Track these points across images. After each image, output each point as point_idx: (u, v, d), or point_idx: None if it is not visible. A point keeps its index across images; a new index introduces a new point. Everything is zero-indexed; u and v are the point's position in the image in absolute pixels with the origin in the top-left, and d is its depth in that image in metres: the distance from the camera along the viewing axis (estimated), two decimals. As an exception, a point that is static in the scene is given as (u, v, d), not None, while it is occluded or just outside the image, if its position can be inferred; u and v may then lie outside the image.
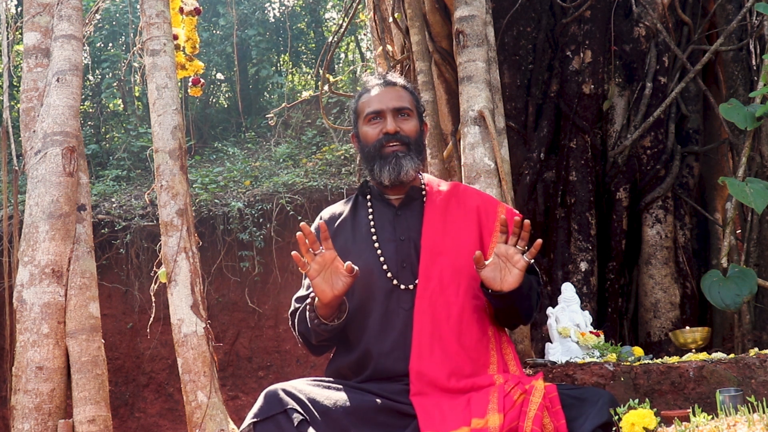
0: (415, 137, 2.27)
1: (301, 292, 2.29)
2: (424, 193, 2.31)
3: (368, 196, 2.34)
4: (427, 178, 2.38)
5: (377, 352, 2.09)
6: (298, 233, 2.00)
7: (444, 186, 2.34)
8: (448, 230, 2.21)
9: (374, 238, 2.22)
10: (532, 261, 2.14)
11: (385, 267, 2.16)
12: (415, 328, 2.07)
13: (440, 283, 2.12)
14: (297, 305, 2.26)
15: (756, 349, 2.79)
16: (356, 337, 2.15)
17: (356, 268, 2.02)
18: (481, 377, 2.03)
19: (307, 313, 2.11)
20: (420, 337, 2.06)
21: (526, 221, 2.02)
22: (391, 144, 2.23)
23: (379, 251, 2.19)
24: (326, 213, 2.38)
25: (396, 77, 2.34)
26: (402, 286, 2.15)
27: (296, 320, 2.23)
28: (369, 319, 2.13)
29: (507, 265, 2.02)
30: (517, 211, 2.27)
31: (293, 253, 2.01)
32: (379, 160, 2.23)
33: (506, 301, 2.06)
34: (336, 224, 2.30)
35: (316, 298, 2.06)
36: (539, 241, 1.99)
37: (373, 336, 2.11)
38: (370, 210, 2.29)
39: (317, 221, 2.35)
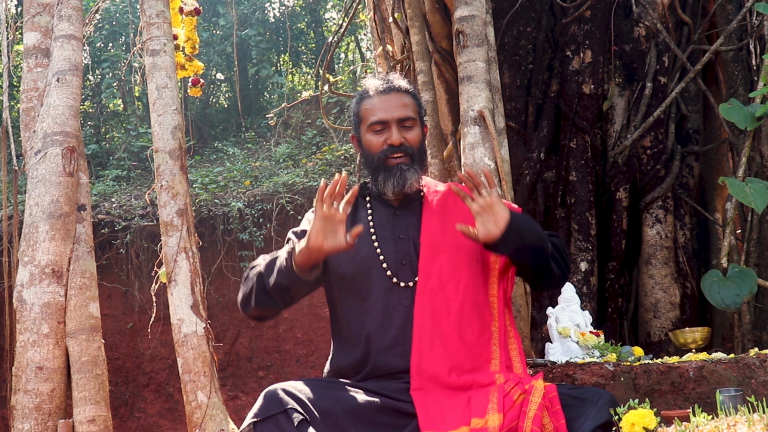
0: (419, 146, 2.28)
1: (271, 256, 2.25)
2: (422, 194, 2.32)
3: (367, 198, 2.34)
4: (425, 179, 2.38)
5: (377, 348, 2.10)
6: (336, 176, 2.03)
7: (441, 187, 2.36)
8: (446, 228, 2.22)
9: (373, 237, 2.23)
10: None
11: (384, 265, 2.17)
12: (416, 324, 2.08)
13: (440, 280, 2.13)
14: (264, 260, 2.22)
15: (756, 349, 2.79)
16: (356, 334, 2.15)
17: (356, 239, 2.03)
18: (482, 373, 2.04)
19: (284, 252, 2.10)
20: (420, 333, 2.07)
21: (467, 170, 2.10)
22: (395, 156, 2.24)
23: (378, 249, 2.20)
24: None
25: (398, 80, 2.32)
26: (401, 284, 2.15)
27: (259, 266, 2.18)
28: (369, 316, 2.14)
29: (489, 211, 2.05)
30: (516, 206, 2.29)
31: (323, 181, 2.03)
32: (384, 172, 2.24)
33: (514, 241, 2.06)
34: None
35: (300, 244, 2.05)
36: (486, 170, 2.07)
37: (373, 333, 2.11)
38: (369, 210, 2.30)
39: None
